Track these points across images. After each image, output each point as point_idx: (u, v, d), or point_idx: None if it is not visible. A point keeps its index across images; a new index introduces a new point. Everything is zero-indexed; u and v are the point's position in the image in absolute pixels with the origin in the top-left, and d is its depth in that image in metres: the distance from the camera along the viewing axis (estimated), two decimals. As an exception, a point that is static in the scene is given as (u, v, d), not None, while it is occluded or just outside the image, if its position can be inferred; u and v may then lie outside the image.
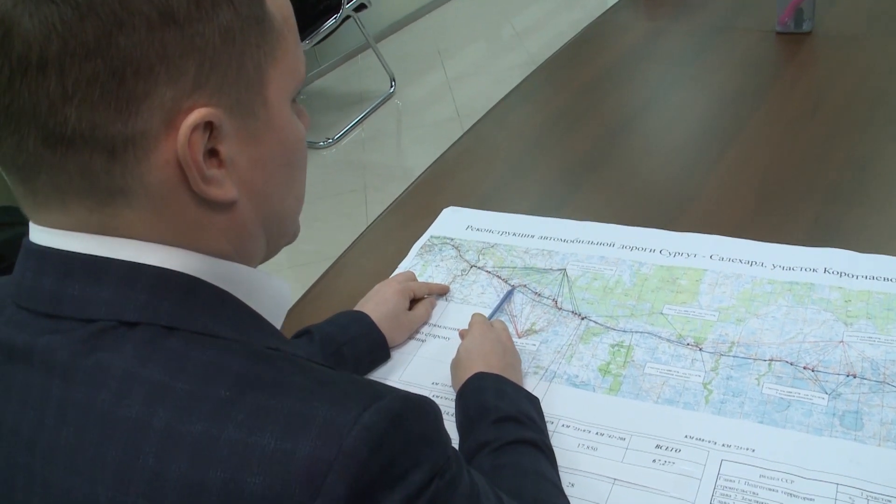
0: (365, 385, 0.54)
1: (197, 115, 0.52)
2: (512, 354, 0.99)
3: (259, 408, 0.50)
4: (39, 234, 0.55)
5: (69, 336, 0.53)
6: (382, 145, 3.46)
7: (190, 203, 0.55)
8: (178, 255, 0.56)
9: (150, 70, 0.50)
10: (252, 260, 0.63)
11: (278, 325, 0.64)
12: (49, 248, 0.55)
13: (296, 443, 0.48)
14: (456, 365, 0.98)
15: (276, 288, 0.64)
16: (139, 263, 0.54)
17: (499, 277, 1.19)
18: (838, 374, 0.93)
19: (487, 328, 1.00)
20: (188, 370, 0.51)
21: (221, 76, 0.53)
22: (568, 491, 0.87)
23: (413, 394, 0.55)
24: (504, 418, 0.86)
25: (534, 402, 0.92)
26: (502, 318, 1.10)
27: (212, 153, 0.54)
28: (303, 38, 3.22)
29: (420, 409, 0.55)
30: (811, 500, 0.81)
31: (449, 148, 1.57)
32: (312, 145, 3.48)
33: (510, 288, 1.14)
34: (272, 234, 0.63)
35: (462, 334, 1.03)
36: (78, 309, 0.53)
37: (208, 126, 0.53)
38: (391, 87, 3.73)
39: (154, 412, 0.50)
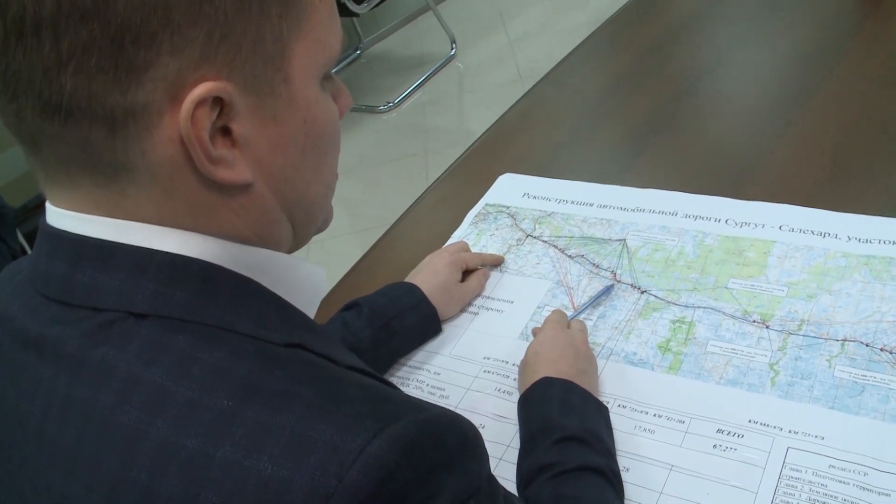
0: (383, 401, 0.49)
1: (203, 89, 0.47)
2: (585, 360, 0.90)
3: (259, 425, 0.45)
4: (54, 216, 0.53)
5: (78, 327, 0.50)
6: (443, 109, 3.41)
7: (199, 184, 0.50)
8: (196, 241, 0.52)
9: (152, 38, 0.45)
10: (278, 247, 0.58)
11: (311, 312, 0.60)
12: (62, 231, 0.52)
13: (294, 471, 0.44)
14: (523, 367, 0.92)
15: (308, 274, 0.60)
16: (152, 249, 0.51)
17: (555, 247, 1.14)
18: (919, 357, 0.86)
19: (560, 329, 0.93)
20: (193, 374, 0.47)
21: (234, 48, 0.48)
22: (622, 476, 0.83)
23: (440, 413, 0.50)
24: (568, 438, 0.79)
25: (603, 412, 0.85)
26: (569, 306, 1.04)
27: (225, 132, 0.50)
28: (361, 1, 3.17)
29: (443, 432, 0.49)
30: (887, 494, 0.75)
31: (507, 111, 1.51)
32: (372, 109, 3.44)
33: (610, 284, 1.04)
34: (298, 221, 0.58)
35: (535, 332, 0.98)
36: (87, 297, 0.50)
37: (218, 102, 0.48)
38: (452, 49, 3.65)
39: (152, 421, 0.46)
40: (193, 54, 0.46)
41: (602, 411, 0.85)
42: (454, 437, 0.50)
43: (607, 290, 1.04)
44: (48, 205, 0.53)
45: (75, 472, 0.48)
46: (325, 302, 1.17)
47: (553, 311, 0.98)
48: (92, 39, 0.44)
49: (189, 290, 0.51)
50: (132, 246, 0.51)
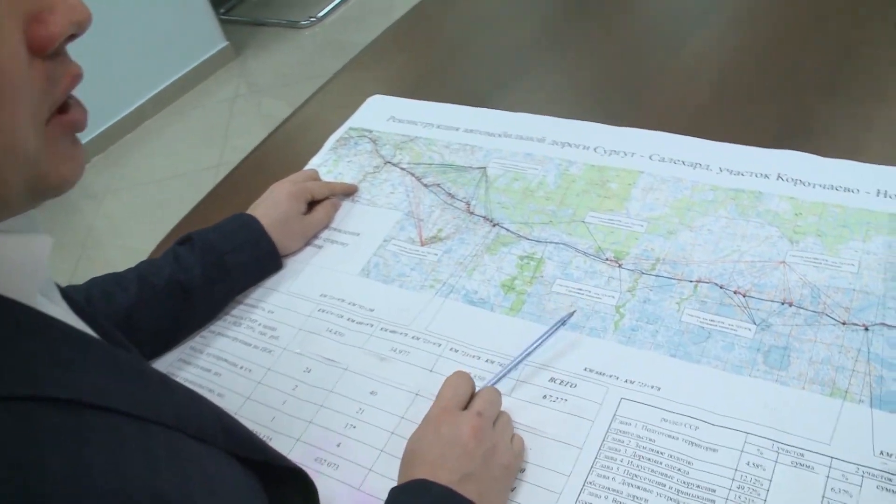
0: None
1: None
2: (477, 459, 0.66)
3: None
4: None
5: None
6: (371, 25, 3.24)
7: None
8: None
9: None
10: None
11: (31, 291, 0.49)
12: None
13: None
14: (401, 464, 0.70)
15: (16, 249, 0.48)
16: None
17: (412, 175, 1.04)
18: (772, 302, 0.79)
19: (445, 418, 0.69)
20: None
21: None
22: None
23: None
24: None
25: None
26: None
27: None
28: None
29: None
30: (714, 450, 0.69)
31: (386, 29, 1.40)
32: (294, 24, 3.28)
33: (567, 314, 0.80)
34: None
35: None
36: None
37: None
38: (380, -39, 3.48)
39: None
40: None
41: None
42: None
43: (558, 325, 0.79)
44: None
45: None
46: (171, 237, 1.08)
47: (448, 381, 0.73)
48: None
49: None
50: None
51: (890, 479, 0.65)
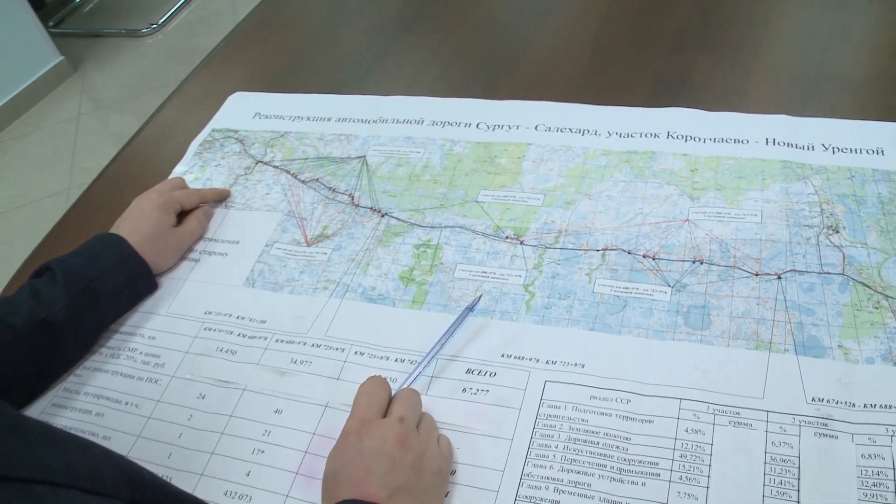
0: None
1: None
2: (403, 472, 0.60)
3: None
4: None
5: None
6: (217, 27, 3.12)
7: None
8: None
9: None
10: None
11: None
12: None
13: None
14: (323, 482, 0.64)
15: None
16: None
17: (287, 173, 0.97)
18: (683, 261, 0.77)
19: (365, 431, 0.63)
20: None
21: None
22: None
23: None
24: None
25: None
26: None
27: None
28: None
29: None
30: (650, 421, 0.65)
31: (239, 22, 1.31)
32: (134, 33, 3.11)
33: (475, 299, 0.76)
34: None
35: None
36: None
37: None
38: (218, -39, 3.35)
39: None
40: None
41: None
42: None
43: (464, 315, 0.74)
44: None
45: None
46: (24, 270, 0.97)
47: (362, 389, 0.67)
48: None
49: None
50: None
51: (825, 424, 0.63)
